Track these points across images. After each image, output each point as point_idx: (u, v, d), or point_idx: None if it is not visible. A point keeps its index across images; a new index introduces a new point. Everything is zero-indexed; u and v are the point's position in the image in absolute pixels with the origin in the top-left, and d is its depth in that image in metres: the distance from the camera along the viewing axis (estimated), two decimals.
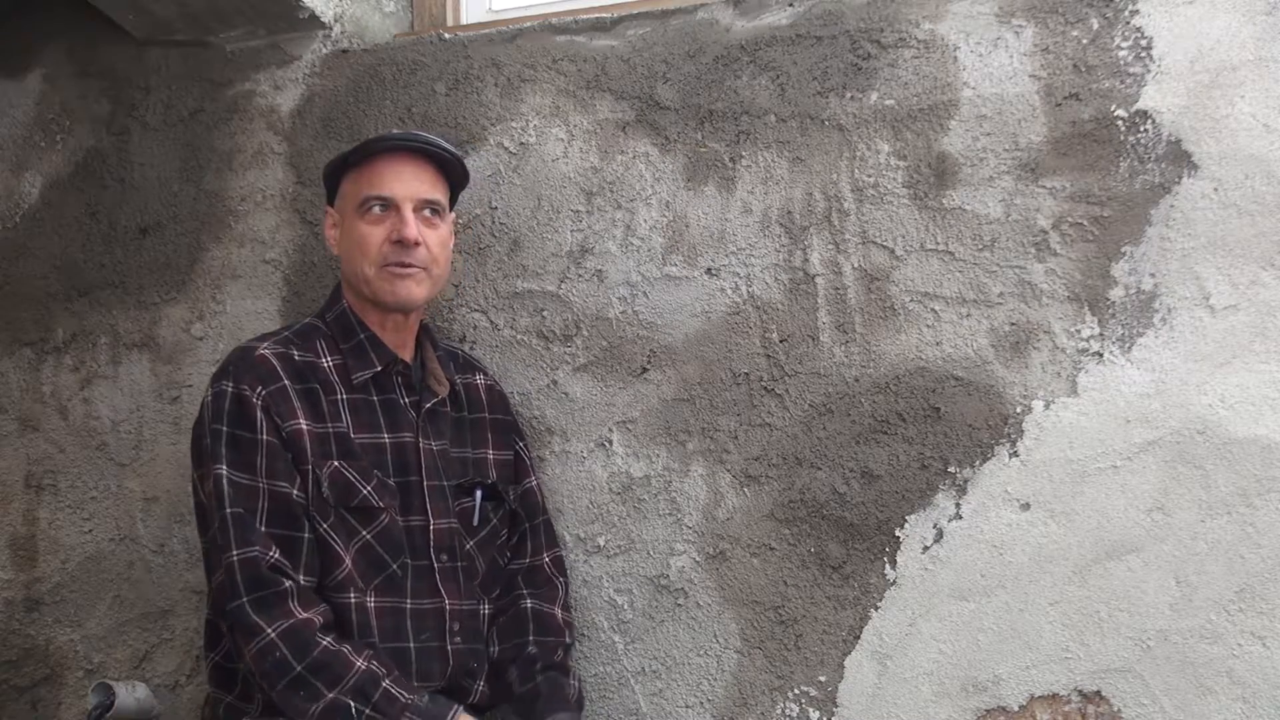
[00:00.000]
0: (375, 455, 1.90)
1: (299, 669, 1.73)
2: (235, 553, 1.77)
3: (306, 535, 1.81)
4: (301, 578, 1.79)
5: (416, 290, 1.93)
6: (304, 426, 1.84)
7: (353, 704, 1.72)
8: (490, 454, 2.06)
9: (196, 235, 2.43)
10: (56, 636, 2.46)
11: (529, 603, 2.03)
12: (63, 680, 2.45)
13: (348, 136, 2.34)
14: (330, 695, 1.72)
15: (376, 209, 1.92)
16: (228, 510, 1.78)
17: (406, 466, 1.92)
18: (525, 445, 2.13)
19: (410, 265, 1.91)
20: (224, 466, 1.81)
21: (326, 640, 1.75)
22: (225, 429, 1.82)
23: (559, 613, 2.04)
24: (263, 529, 1.78)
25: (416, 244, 1.91)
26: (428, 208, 1.94)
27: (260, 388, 1.83)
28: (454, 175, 2.01)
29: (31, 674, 2.47)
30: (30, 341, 2.53)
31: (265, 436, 1.81)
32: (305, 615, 1.75)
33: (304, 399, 1.86)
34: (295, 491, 1.81)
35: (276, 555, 1.77)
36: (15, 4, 2.61)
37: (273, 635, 1.74)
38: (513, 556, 2.07)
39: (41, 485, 2.50)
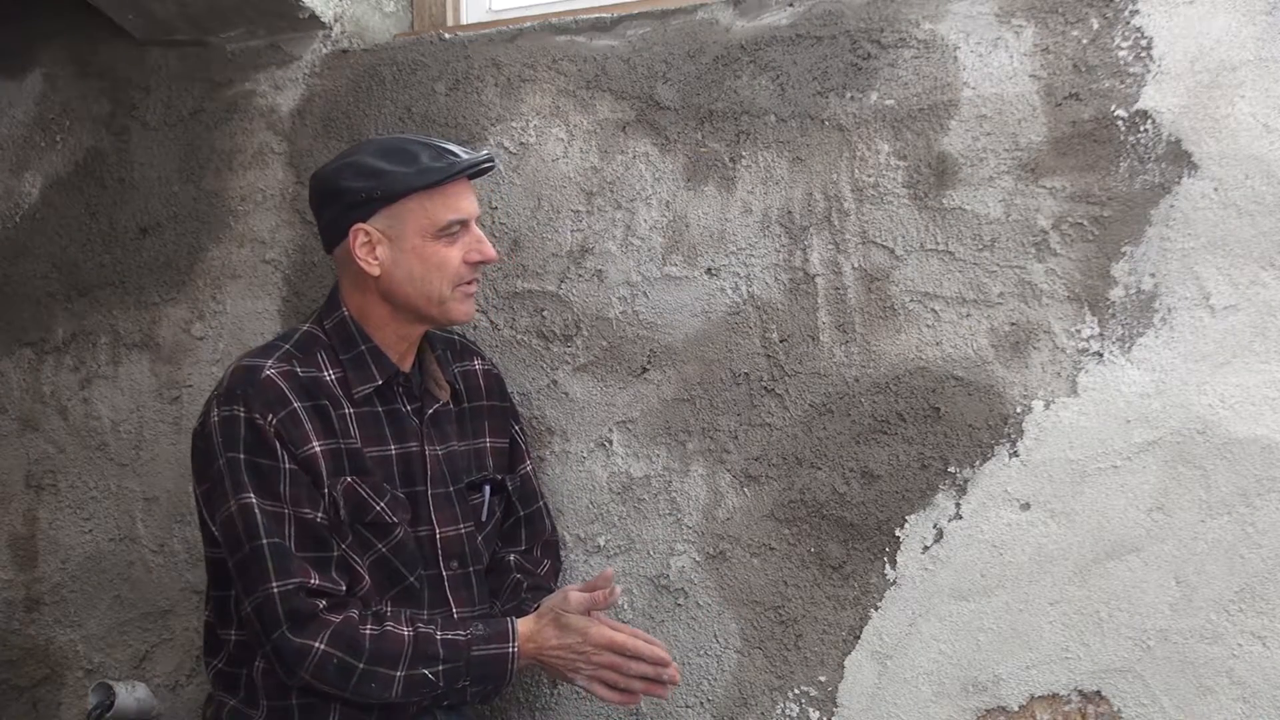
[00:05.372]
0: (384, 468, 1.89)
1: (362, 665, 1.76)
2: (276, 584, 1.76)
3: (335, 554, 1.82)
4: (339, 591, 1.81)
5: (474, 305, 1.99)
6: (318, 449, 1.83)
7: (425, 671, 1.77)
8: (488, 442, 2.06)
9: (196, 235, 2.43)
10: (56, 636, 2.46)
11: (512, 559, 2.08)
12: (63, 680, 2.46)
13: (348, 137, 2.34)
14: (401, 673, 1.77)
15: (457, 230, 1.90)
16: (264, 541, 1.77)
17: (412, 476, 1.92)
18: (521, 429, 2.13)
19: (475, 282, 1.94)
20: (252, 495, 1.78)
21: (369, 629, 1.78)
22: (244, 456, 1.80)
23: (545, 563, 2.10)
24: (299, 555, 1.78)
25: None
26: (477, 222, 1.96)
27: (270, 415, 1.80)
28: None
29: (31, 674, 2.48)
30: (30, 341, 2.53)
31: (286, 465, 1.80)
32: (342, 616, 1.78)
33: (315, 418, 1.84)
34: (319, 515, 1.81)
35: (316, 580, 1.78)
36: (15, 4, 2.61)
37: (322, 647, 1.75)
38: (505, 544, 2.08)
39: (41, 485, 2.50)
